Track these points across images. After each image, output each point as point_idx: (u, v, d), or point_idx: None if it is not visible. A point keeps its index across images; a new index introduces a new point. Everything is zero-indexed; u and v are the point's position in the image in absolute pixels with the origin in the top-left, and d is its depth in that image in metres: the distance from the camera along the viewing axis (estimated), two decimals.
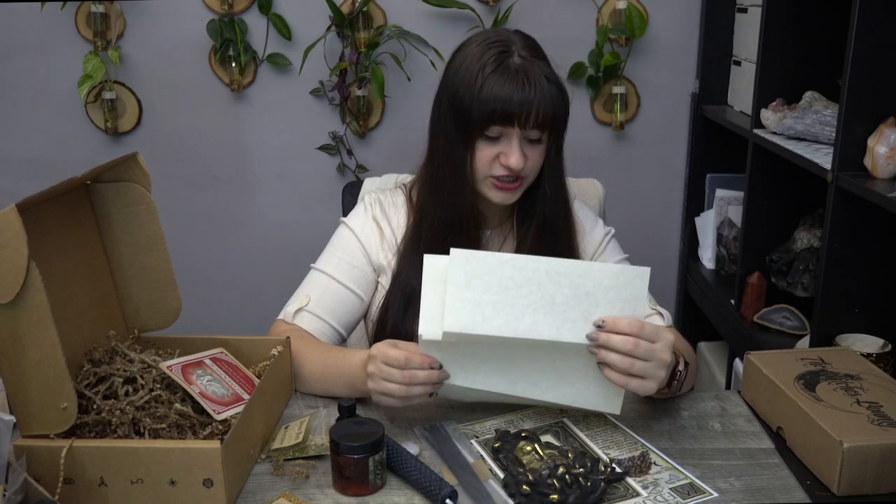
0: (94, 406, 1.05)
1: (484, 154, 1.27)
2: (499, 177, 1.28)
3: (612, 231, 1.44)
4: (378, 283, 1.39)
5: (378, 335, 1.37)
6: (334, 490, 1.04)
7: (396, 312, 1.34)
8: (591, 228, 1.43)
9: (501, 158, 1.26)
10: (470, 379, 1.11)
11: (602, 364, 1.07)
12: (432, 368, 1.08)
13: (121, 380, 1.08)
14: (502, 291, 1.04)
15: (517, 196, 1.31)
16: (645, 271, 1.07)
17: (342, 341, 1.37)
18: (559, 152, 1.31)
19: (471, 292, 1.04)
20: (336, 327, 1.35)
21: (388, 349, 1.10)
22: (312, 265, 1.39)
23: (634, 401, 1.27)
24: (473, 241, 1.35)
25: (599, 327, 1.06)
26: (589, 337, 1.06)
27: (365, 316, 1.41)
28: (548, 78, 1.25)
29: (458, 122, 1.26)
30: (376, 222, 1.39)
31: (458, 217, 1.32)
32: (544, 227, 1.35)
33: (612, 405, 1.13)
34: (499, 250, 1.39)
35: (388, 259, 1.37)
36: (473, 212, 1.34)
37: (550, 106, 1.24)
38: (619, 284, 1.06)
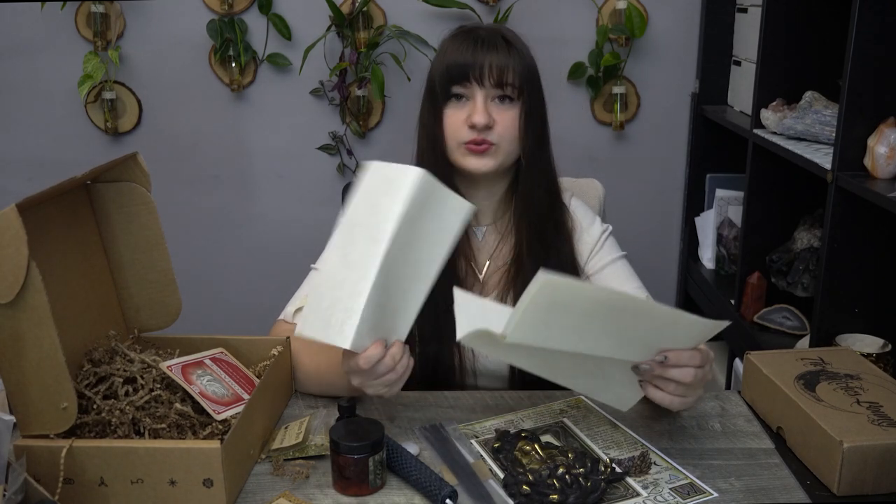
0: (94, 406, 1.05)
1: (452, 119, 1.30)
2: (469, 141, 1.30)
3: (610, 228, 1.44)
4: None
5: None
6: (334, 490, 1.04)
7: None
8: (588, 225, 1.42)
9: (467, 119, 1.29)
10: (504, 354, 1.09)
11: (646, 383, 1.07)
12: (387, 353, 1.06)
13: (121, 380, 1.08)
14: (580, 317, 0.99)
15: (491, 163, 1.31)
16: (723, 323, 1.03)
17: None
18: (531, 119, 1.31)
19: (549, 314, 0.98)
20: None
21: (350, 361, 1.07)
22: (312, 265, 1.39)
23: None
24: (466, 234, 1.36)
25: (661, 362, 1.04)
26: (642, 368, 1.05)
27: None
28: (506, 39, 1.29)
29: (431, 95, 1.33)
30: None
31: None
32: (532, 208, 1.35)
33: (625, 404, 1.13)
34: (495, 248, 1.40)
35: None
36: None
37: (505, 63, 1.27)
38: (695, 331, 1.04)
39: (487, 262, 1.39)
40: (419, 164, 1.35)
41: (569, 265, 1.37)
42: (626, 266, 1.42)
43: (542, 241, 1.35)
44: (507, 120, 1.29)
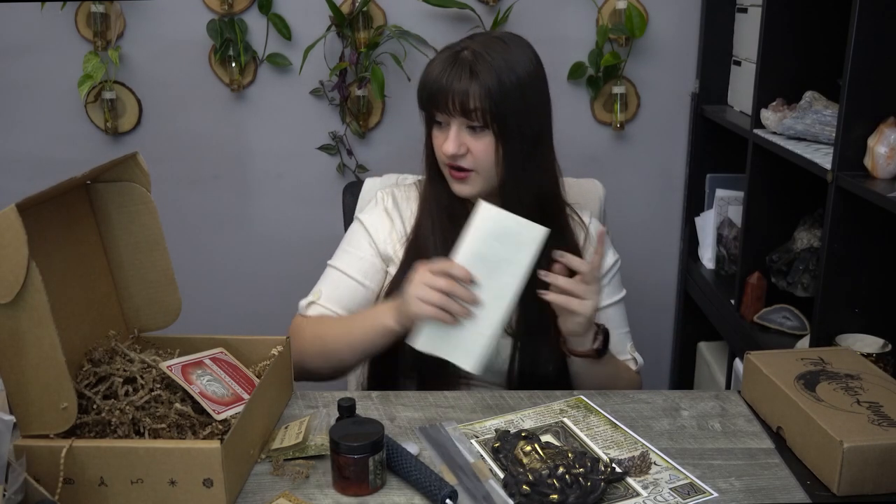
0: (94, 406, 1.05)
1: (436, 141, 1.34)
2: (448, 165, 1.33)
3: (619, 262, 1.46)
4: (387, 272, 1.42)
5: None
6: (334, 490, 1.04)
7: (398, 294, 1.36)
8: (604, 252, 1.45)
9: (444, 145, 1.31)
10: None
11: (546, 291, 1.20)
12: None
13: (121, 380, 1.08)
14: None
15: (470, 189, 1.34)
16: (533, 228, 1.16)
17: None
18: (507, 145, 1.30)
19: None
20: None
21: (430, 262, 1.17)
22: (329, 262, 1.44)
23: (634, 401, 1.27)
24: None
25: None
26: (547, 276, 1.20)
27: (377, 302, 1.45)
28: (472, 71, 1.27)
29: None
30: (387, 213, 1.43)
31: (447, 208, 1.37)
32: None
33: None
34: None
35: (394, 249, 1.41)
36: (455, 203, 1.37)
37: (465, 92, 1.26)
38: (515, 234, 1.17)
39: None
40: (424, 183, 1.41)
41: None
42: (621, 311, 1.47)
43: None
44: (479, 148, 1.30)
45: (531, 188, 1.34)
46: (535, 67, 1.33)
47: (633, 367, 1.40)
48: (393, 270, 1.40)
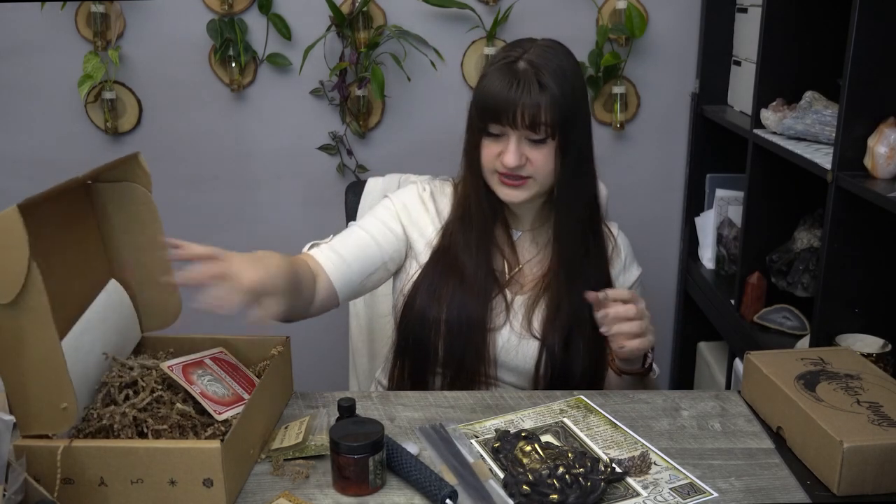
0: (96, 415, 1.05)
1: (487, 151, 1.33)
2: (502, 173, 1.32)
3: (642, 273, 1.49)
4: (407, 255, 1.42)
5: (406, 310, 1.39)
6: (334, 490, 1.04)
7: (427, 291, 1.37)
8: (629, 263, 1.48)
9: (500, 156, 1.31)
10: None
11: (615, 336, 1.24)
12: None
13: (118, 385, 1.08)
14: None
15: (525, 195, 1.34)
16: None
17: (352, 278, 1.37)
18: (566, 154, 1.31)
19: None
20: (347, 261, 1.36)
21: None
22: (351, 223, 1.46)
23: (634, 401, 1.27)
24: (505, 239, 1.41)
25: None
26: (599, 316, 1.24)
27: (393, 290, 1.46)
28: (541, 84, 1.27)
29: (470, 119, 1.35)
30: (423, 202, 1.43)
31: (484, 210, 1.38)
32: (561, 234, 1.38)
33: None
34: (530, 254, 1.43)
35: (423, 235, 1.41)
36: (495, 208, 1.39)
37: (536, 105, 1.26)
38: None
39: (520, 266, 1.42)
40: (462, 185, 1.40)
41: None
42: None
43: (573, 271, 1.38)
44: (540, 158, 1.31)
45: (581, 195, 1.37)
46: (580, 74, 1.35)
47: (652, 377, 1.41)
48: (411, 259, 1.41)
